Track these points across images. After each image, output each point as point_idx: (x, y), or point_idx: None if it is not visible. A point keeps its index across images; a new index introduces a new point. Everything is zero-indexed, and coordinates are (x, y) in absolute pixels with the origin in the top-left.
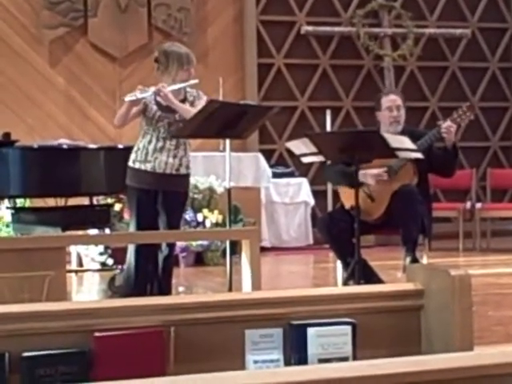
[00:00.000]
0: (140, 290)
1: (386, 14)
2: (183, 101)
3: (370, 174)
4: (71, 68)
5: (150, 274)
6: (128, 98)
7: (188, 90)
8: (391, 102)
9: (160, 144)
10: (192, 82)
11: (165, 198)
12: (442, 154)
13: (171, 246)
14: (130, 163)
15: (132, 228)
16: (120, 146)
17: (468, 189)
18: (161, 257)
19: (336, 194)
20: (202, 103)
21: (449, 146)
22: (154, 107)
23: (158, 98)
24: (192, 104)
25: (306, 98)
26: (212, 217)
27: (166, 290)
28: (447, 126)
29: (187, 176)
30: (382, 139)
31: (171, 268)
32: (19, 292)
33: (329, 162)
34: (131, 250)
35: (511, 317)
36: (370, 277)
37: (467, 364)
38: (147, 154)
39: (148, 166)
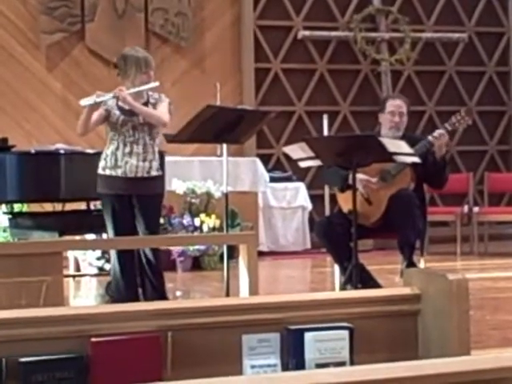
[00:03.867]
0: (131, 294)
1: (383, 18)
2: (145, 104)
3: (359, 179)
4: (68, 73)
5: (136, 278)
6: (84, 101)
7: (150, 93)
8: (395, 108)
9: (128, 149)
10: (152, 84)
11: (139, 201)
12: (431, 164)
13: (155, 249)
14: (100, 171)
15: (110, 234)
16: None
17: (465, 193)
18: (144, 260)
19: (333, 199)
20: (164, 105)
21: (438, 156)
22: (117, 112)
23: (120, 103)
24: (154, 106)
25: (304, 103)
26: (209, 221)
27: (159, 291)
28: (439, 133)
29: (160, 177)
30: (379, 143)
31: (160, 270)
32: (16, 297)
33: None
34: (114, 258)
35: (508, 321)
36: (368, 281)
37: (464, 369)
38: (117, 160)
39: (119, 172)
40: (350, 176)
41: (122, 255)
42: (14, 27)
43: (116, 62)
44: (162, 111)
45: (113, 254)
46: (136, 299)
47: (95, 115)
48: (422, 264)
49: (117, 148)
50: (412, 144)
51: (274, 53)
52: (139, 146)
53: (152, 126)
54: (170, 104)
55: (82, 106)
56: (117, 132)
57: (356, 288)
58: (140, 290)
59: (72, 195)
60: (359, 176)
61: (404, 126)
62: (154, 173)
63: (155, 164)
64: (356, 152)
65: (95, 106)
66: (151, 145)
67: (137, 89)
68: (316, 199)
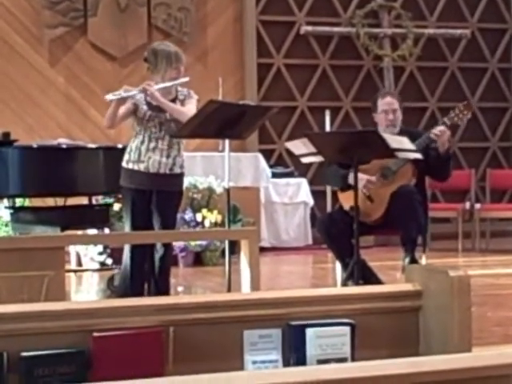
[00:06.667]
0: (137, 290)
1: (386, 14)
2: (174, 99)
3: (359, 179)
4: (71, 67)
5: (146, 273)
6: (111, 96)
7: (179, 88)
8: (387, 106)
9: (152, 144)
10: (182, 80)
11: (159, 197)
12: (435, 158)
13: (167, 246)
14: (124, 164)
15: (127, 228)
16: (119, 146)
17: (467, 189)
18: (157, 256)
19: (335, 195)
20: (192, 102)
21: (442, 151)
22: (145, 107)
23: (148, 98)
24: (182, 103)
25: (306, 98)
26: (211, 217)
27: (163, 289)
28: (439, 130)
29: (181, 175)
30: (381, 139)
31: (168, 267)
32: (18, 292)
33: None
34: (127, 251)
35: (510, 318)
36: (369, 277)
37: (466, 365)
38: (140, 155)
39: (141, 166)
40: (350, 175)
41: (136, 249)
42: (16, 22)
43: (146, 56)
44: (190, 108)
45: (127, 247)
46: (140, 294)
47: (122, 109)
48: (423, 260)
49: (142, 142)
50: (411, 139)
51: (276, 48)
52: (164, 141)
53: (179, 123)
54: (198, 101)
55: (108, 100)
56: (143, 126)
57: (357, 284)
58: (145, 286)
59: (74, 190)
60: (359, 176)
61: (399, 122)
62: (176, 170)
63: (179, 160)
64: (358, 148)
65: (122, 101)
66: (177, 141)
67: (165, 84)
68: (318, 195)
